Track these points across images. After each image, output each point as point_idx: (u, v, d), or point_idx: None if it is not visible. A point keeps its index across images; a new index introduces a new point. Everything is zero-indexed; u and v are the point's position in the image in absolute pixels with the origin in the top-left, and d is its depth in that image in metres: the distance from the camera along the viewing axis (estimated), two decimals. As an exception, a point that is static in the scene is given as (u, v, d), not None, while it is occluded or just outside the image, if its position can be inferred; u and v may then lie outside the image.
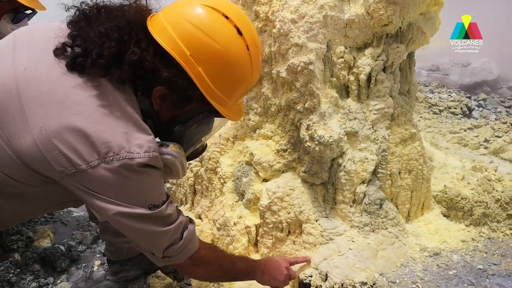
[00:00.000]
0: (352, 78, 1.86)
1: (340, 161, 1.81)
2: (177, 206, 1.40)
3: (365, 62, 1.82)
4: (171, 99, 1.07)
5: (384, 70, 1.86)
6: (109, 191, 1.00)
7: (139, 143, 1.00)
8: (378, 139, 1.85)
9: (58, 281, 1.93)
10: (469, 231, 1.93)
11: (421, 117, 4.04)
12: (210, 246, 1.36)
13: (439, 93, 4.76)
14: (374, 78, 1.83)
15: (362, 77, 1.82)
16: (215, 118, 1.22)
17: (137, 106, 1.05)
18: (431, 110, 4.21)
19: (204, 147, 1.38)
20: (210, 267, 1.31)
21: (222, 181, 2.16)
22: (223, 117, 1.16)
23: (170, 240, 1.15)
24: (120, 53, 1.00)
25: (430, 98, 4.50)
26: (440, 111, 4.20)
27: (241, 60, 1.10)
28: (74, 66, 1.00)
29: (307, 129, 1.78)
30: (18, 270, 1.88)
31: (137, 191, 1.03)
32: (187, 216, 1.24)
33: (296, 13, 1.78)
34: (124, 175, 0.98)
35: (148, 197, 1.06)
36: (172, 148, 1.11)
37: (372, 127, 1.87)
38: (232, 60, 1.07)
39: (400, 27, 1.80)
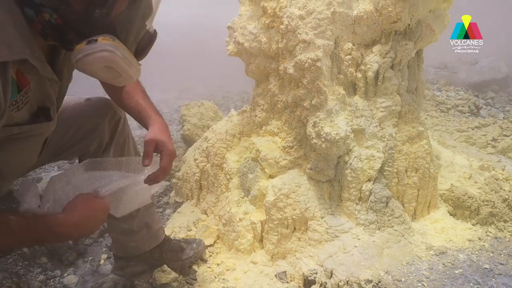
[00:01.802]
0: (359, 75, 1.85)
1: (347, 158, 1.81)
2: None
3: (373, 59, 1.81)
4: None
5: (392, 67, 1.85)
6: None
7: None
8: (385, 137, 1.85)
9: (65, 274, 1.95)
10: (475, 230, 1.91)
11: (428, 115, 4.01)
12: None
13: (446, 91, 4.73)
14: (381, 76, 1.82)
15: (370, 74, 1.81)
16: None
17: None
18: (439, 108, 4.18)
19: (153, 34, 1.11)
20: None
21: (228, 177, 2.16)
22: None
23: None
24: None
25: (437, 96, 4.47)
26: (448, 109, 4.17)
27: None
28: None
29: (314, 126, 1.77)
30: (26, 262, 1.91)
31: None
32: None
33: (304, 9, 1.78)
34: None
35: None
36: (102, 41, 0.90)
37: (379, 124, 1.86)
38: None
39: (409, 24, 1.79)
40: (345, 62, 1.86)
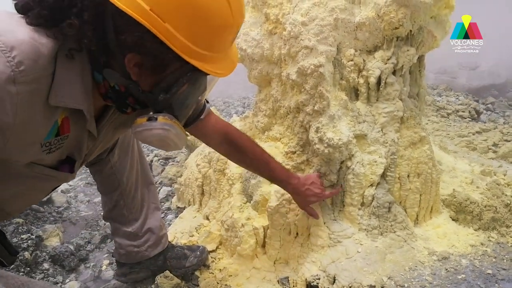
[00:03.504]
0: (361, 80, 1.86)
1: (349, 163, 1.81)
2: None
3: (375, 65, 1.82)
4: (148, 65, 0.95)
5: (394, 73, 1.86)
6: None
7: None
8: (387, 142, 1.85)
9: (67, 280, 1.94)
10: (478, 236, 1.92)
11: (429, 120, 4.02)
12: None
13: (447, 96, 4.74)
14: (384, 81, 1.83)
15: (372, 80, 1.82)
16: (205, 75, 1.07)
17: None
18: (439, 113, 4.19)
19: (204, 105, 1.29)
20: None
21: (230, 182, 2.17)
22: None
23: None
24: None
25: (438, 101, 4.48)
26: (448, 114, 4.18)
27: (214, 3, 0.92)
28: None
29: (316, 131, 1.78)
30: (28, 269, 1.90)
31: None
32: None
33: (307, 16, 1.79)
34: None
35: None
36: (161, 121, 1.00)
37: (382, 130, 1.87)
38: (203, 6, 0.89)
39: (411, 30, 1.80)
40: (347, 67, 1.87)
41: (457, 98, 4.66)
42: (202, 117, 1.43)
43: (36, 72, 0.85)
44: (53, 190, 1.34)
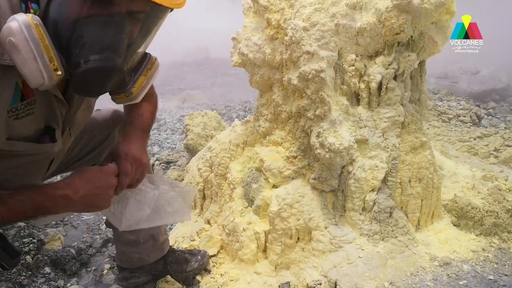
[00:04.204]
0: (362, 86, 1.87)
1: (350, 168, 1.81)
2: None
3: (376, 70, 1.82)
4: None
5: (395, 78, 1.87)
6: None
7: None
8: (388, 147, 1.85)
9: (69, 284, 1.94)
10: (479, 241, 1.91)
11: (430, 125, 4.03)
12: None
13: (448, 101, 4.75)
14: (385, 86, 1.84)
15: (373, 85, 1.83)
16: None
17: None
18: (440, 118, 4.20)
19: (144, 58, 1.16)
20: None
21: (231, 186, 2.17)
22: None
23: None
24: None
25: (439, 106, 4.49)
26: (449, 119, 4.19)
27: None
28: None
29: (318, 136, 1.78)
30: (30, 272, 1.91)
31: None
32: None
33: (308, 21, 1.80)
34: None
35: None
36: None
37: (383, 135, 1.87)
38: None
39: (412, 36, 1.81)
40: (348, 73, 1.87)
41: (458, 103, 4.67)
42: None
43: None
44: (49, 173, 1.31)
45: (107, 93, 1.11)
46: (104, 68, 0.93)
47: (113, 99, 1.17)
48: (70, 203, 1.07)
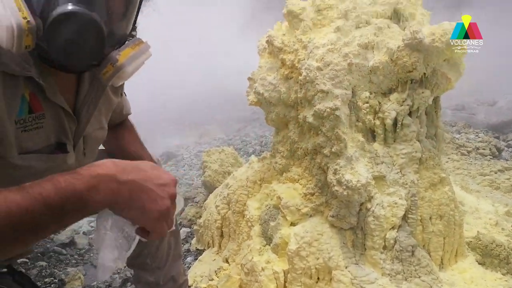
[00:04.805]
0: (378, 122, 1.89)
1: (369, 205, 1.80)
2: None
3: (391, 107, 1.85)
4: None
5: (410, 114, 1.88)
6: None
7: None
8: (407, 184, 1.84)
9: (87, 324, 1.94)
10: (506, 281, 1.84)
11: (449, 158, 3.97)
12: None
13: (466, 133, 4.70)
14: (400, 123, 1.85)
15: (388, 121, 1.84)
16: None
17: None
18: (459, 151, 4.14)
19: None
20: None
21: (249, 224, 2.17)
22: None
23: None
24: None
25: (457, 138, 4.44)
26: (469, 152, 4.13)
27: None
28: None
29: (335, 173, 1.79)
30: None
31: None
32: None
33: (322, 61, 1.85)
34: None
35: None
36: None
37: (400, 171, 1.86)
38: None
39: (425, 73, 1.84)
40: (363, 110, 1.90)
41: (476, 135, 4.61)
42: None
43: None
44: None
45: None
46: (76, 14, 0.87)
47: (102, 79, 1.06)
48: (112, 187, 0.73)
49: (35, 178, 0.90)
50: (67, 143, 1.12)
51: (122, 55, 1.02)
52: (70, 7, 0.86)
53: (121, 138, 1.50)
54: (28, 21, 0.84)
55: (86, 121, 1.18)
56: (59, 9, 0.86)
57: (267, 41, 2.15)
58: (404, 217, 1.82)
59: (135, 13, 1.08)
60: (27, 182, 0.84)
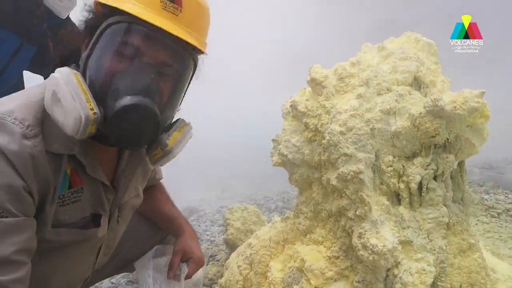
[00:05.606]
0: (402, 186, 1.89)
1: (396, 271, 1.75)
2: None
3: (415, 171, 1.86)
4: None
5: (435, 178, 1.88)
6: None
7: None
8: (435, 249, 1.80)
9: None
10: None
11: (478, 220, 3.84)
12: None
13: (495, 194, 4.56)
14: (425, 187, 1.85)
15: (413, 185, 1.85)
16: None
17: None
18: (489, 213, 4.00)
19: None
20: None
21: (272, 286, 2.13)
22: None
23: None
24: None
25: (486, 199, 4.31)
26: (499, 214, 3.98)
27: None
28: None
29: (359, 237, 1.78)
30: None
31: None
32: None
33: (344, 126, 1.91)
34: None
35: None
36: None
37: (428, 236, 1.83)
38: None
39: (448, 138, 1.86)
40: (387, 173, 1.92)
41: (506, 196, 4.46)
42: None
43: (39, 123, 0.95)
44: (96, 265, 1.29)
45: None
46: (137, 106, 0.96)
47: (150, 161, 1.16)
48: None
49: (61, 250, 1.03)
50: (102, 215, 1.16)
51: (171, 139, 1.11)
52: (133, 99, 0.96)
53: (154, 199, 1.57)
54: (94, 112, 0.94)
55: (123, 191, 1.23)
56: (122, 102, 0.96)
57: (291, 106, 2.24)
58: (433, 285, 1.76)
59: (182, 95, 1.18)
60: (53, 254, 1.01)
